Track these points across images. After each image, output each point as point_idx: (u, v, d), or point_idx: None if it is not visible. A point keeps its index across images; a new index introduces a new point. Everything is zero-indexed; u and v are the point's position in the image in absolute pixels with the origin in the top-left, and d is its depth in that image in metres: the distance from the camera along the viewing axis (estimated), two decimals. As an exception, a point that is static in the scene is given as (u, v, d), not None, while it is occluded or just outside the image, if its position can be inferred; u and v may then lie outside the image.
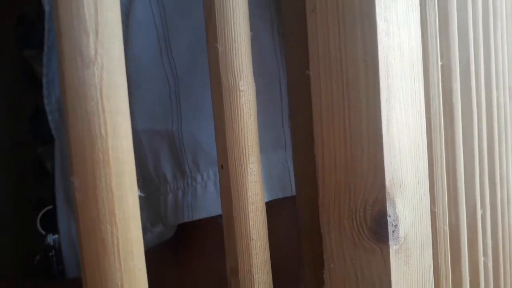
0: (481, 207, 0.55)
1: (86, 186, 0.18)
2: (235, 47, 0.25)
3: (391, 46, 0.28)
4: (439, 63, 0.40)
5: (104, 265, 0.18)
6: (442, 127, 0.41)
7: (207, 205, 0.41)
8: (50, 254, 0.63)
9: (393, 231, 0.27)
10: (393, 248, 0.27)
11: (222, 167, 0.25)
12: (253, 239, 0.25)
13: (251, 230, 0.25)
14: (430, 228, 0.33)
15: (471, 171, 0.52)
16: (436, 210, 0.40)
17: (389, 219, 0.26)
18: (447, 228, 0.42)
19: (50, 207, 0.66)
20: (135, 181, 0.19)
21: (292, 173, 0.40)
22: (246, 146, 0.25)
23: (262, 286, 0.26)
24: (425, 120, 0.32)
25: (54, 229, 0.63)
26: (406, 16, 0.30)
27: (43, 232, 0.64)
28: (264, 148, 0.41)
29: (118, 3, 0.19)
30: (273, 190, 0.41)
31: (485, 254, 0.55)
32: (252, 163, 0.25)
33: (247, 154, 0.25)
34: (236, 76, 0.25)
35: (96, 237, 0.18)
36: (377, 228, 0.27)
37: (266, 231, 0.27)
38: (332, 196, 0.28)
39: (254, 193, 0.25)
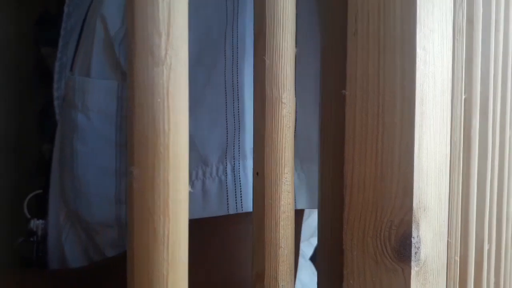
0: (488, 243, 0.56)
1: (144, 177, 0.19)
2: (281, 62, 0.27)
3: (427, 75, 0.30)
4: (463, 97, 0.42)
5: (153, 254, 0.19)
6: (461, 159, 0.43)
7: (191, 208, 0.41)
8: (32, 239, 0.63)
9: (416, 253, 0.28)
10: (414, 269, 0.28)
11: (257, 174, 0.26)
12: (281, 247, 0.26)
13: (280, 238, 0.26)
14: (446, 256, 0.34)
15: (481, 207, 0.53)
16: (450, 240, 0.41)
17: (413, 241, 0.28)
18: (458, 259, 0.43)
19: (39, 191, 0.66)
20: (187, 177, 0.20)
21: (230, 190, 0.40)
22: (283, 156, 0.27)
23: (286, 293, 0.27)
24: (449, 149, 0.34)
25: (41, 215, 0.63)
26: (441, 47, 0.32)
27: (29, 216, 0.64)
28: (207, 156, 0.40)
29: (187, 8, 0.21)
30: (210, 206, 0.39)
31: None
32: (287, 173, 0.27)
33: (283, 164, 0.26)
34: (280, 89, 0.27)
35: (149, 226, 0.19)
36: (401, 248, 0.28)
37: (293, 241, 0.28)
38: (358, 214, 0.29)
39: (286, 202, 0.27)
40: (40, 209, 0.63)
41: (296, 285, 0.61)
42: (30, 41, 1.01)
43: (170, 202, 0.19)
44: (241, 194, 0.39)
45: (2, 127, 0.96)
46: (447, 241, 0.42)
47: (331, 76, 0.33)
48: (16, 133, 0.99)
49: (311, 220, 0.58)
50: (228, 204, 0.39)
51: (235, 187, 0.39)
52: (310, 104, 0.39)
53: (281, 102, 0.27)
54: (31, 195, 0.68)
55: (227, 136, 0.40)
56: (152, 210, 0.19)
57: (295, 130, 0.27)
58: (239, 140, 0.40)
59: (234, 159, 0.40)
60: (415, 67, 0.28)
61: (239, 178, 0.39)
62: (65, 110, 0.57)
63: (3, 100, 0.88)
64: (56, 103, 0.67)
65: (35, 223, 0.62)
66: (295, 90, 0.28)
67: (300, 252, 0.62)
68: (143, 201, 0.19)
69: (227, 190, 0.39)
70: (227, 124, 0.40)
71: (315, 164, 0.41)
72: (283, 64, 0.27)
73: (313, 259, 0.65)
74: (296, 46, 0.28)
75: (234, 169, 0.40)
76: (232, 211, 0.39)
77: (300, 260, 0.61)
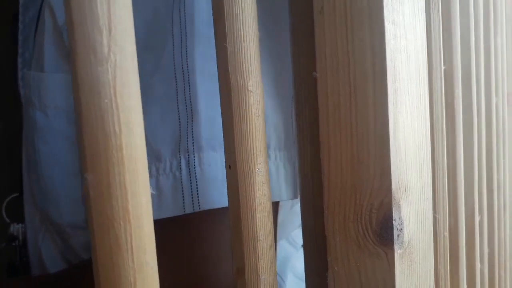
0: (479, 213, 0.56)
1: (100, 183, 0.18)
2: (244, 47, 0.26)
3: (399, 49, 0.29)
4: (443, 68, 0.41)
5: (117, 262, 0.18)
6: (444, 132, 0.42)
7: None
8: (13, 244, 0.62)
9: (398, 235, 0.28)
10: (397, 252, 0.28)
11: (230, 167, 0.26)
12: (260, 240, 0.26)
13: (258, 231, 0.26)
14: (432, 233, 0.34)
15: (470, 177, 0.53)
16: (437, 216, 0.41)
17: (394, 223, 0.27)
18: (447, 234, 0.43)
19: (16, 194, 0.64)
20: (147, 179, 0.20)
21: (186, 187, 0.36)
22: (254, 146, 0.26)
23: (268, 287, 0.26)
24: (429, 124, 0.33)
25: (20, 219, 0.62)
26: (413, 19, 0.31)
27: (8, 220, 0.63)
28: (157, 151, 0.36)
29: (130, 0, 0.20)
30: (165, 206, 0.36)
31: (481, 261, 0.56)
32: (260, 163, 0.26)
33: (255, 155, 0.26)
34: (245, 76, 0.26)
35: (110, 234, 0.18)
36: (382, 231, 0.27)
37: (272, 232, 0.27)
38: (338, 199, 0.29)
39: (261, 193, 0.26)
40: (19, 212, 0.62)
41: (288, 276, 0.61)
42: (8, 41, 0.99)
43: (129, 207, 0.19)
44: (197, 191, 0.36)
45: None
46: (436, 217, 0.42)
47: (302, 58, 0.32)
48: (4, 138, 0.98)
49: (298, 207, 0.57)
50: (184, 202, 0.36)
51: (191, 183, 0.36)
52: (271, 88, 0.38)
53: (247, 90, 0.26)
54: (8, 199, 0.66)
55: (180, 127, 0.37)
56: (111, 217, 0.18)
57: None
58: (192, 131, 0.37)
59: (188, 152, 0.37)
60: (384, 43, 0.27)
61: (195, 173, 0.36)
62: (25, 109, 0.55)
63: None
64: (23, 101, 0.66)
65: (15, 227, 0.61)
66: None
67: (291, 241, 0.62)
68: (101, 209, 0.18)
69: (182, 187, 0.36)
70: (179, 113, 0.37)
71: (288, 151, 0.40)
72: (246, 50, 0.26)
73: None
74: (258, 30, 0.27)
75: (189, 163, 0.37)
76: (188, 210, 0.36)
77: (291, 249, 0.61)
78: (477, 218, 0.55)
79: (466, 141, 0.51)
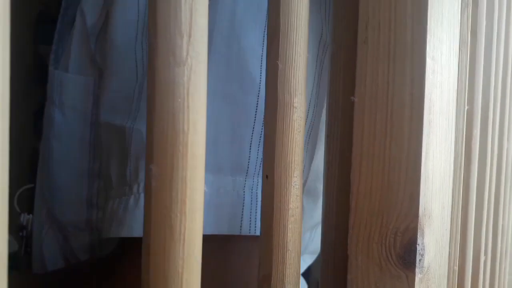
0: (484, 254, 0.57)
1: (163, 175, 0.20)
2: (294, 66, 0.28)
3: (435, 84, 0.31)
4: (466, 107, 0.43)
5: (169, 251, 0.20)
6: (462, 169, 0.44)
7: (132, 222, 0.36)
8: (21, 234, 0.62)
9: (420, 260, 0.29)
10: (418, 276, 0.29)
11: (267, 177, 0.27)
12: (289, 250, 0.27)
13: (288, 241, 0.27)
14: (447, 264, 0.35)
15: (479, 218, 0.55)
16: (450, 250, 0.42)
17: (418, 247, 0.29)
18: (456, 269, 0.44)
19: (31, 185, 0.65)
20: (203, 176, 0.21)
21: (246, 208, 0.36)
22: (293, 160, 0.27)
23: (292, 296, 0.27)
24: (453, 159, 0.35)
25: (31, 210, 0.62)
26: (448, 57, 0.33)
27: (19, 210, 0.63)
28: (219, 168, 0.36)
29: (207, 10, 0.21)
30: (219, 223, 0.35)
31: (483, 301, 0.57)
32: (296, 176, 0.27)
33: (292, 168, 0.27)
34: (292, 93, 0.27)
35: (165, 223, 0.20)
36: (406, 255, 0.29)
37: (300, 244, 0.28)
38: (364, 220, 0.30)
39: (295, 206, 0.27)
40: (30, 204, 0.63)
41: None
42: (28, 39, 1.02)
43: (187, 200, 0.20)
44: (256, 214, 0.36)
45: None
46: (449, 251, 0.44)
47: (339, 82, 0.34)
48: (12, 133, 0.99)
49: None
50: (242, 223, 0.36)
51: (251, 205, 0.36)
52: (237, 95, 0.37)
53: (293, 106, 0.27)
54: (21, 189, 0.67)
55: (250, 147, 0.37)
56: (169, 208, 0.20)
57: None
58: (262, 154, 0.36)
59: (254, 174, 0.37)
60: (424, 76, 0.29)
61: (256, 196, 0.36)
62: (47, 106, 0.56)
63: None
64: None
65: (25, 217, 0.62)
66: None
67: None
68: (161, 199, 0.20)
69: (243, 208, 0.36)
70: (253, 133, 0.37)
71: (224, 175, 0.37)
72: (295, 69, 0.28)
73: (305, 275, 0.64)
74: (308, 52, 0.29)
75: (253, 185, 0.37)
76: (244, 231, 0.36)
77: None
78: (482, 259, 0.56)
79: (479, 181, 0.53)
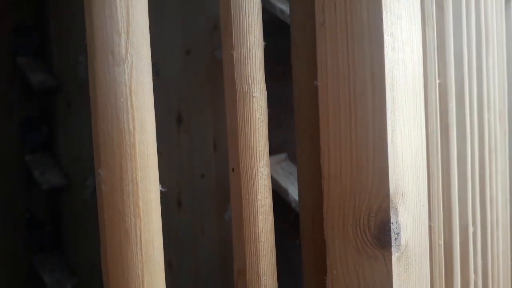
0: (472, 225, 0.57)
1: (112, 178, 0.19)
2: (249, 55, 0.27)
3: (396, 60, 0.30)
4: (437, 81, 0.43)
5: (126, 256, 0.19)
6: (439, 144, 0.43)
7: None
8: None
9: (396, 239, 0.28)
10: (395, 255, 0.28)
11: (233, 170, 0.26)
12: (261, 241, 0.26)
13: (259, 232, 0.26)
14: (428, 240, 0.35)
15: (464, 190, 0.54)
16: (432, 224, 0.42)
17: (392, 227, 0.28)
18: (442, 243, 0.43)
19: None
20: (157, 175, 0.20)
21: None
22: (257, 150, 0.27)
23: (268, 287, 0.27)
24: (425, 134, 0.34)
25: None
26: (409, 33, 0.33)
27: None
28: None
29: (146, 5, 0.20)
30: None
31: (475, 272, 0.57)
32: (262, 167, 0.27)
33: (258, 158, 0.26)
34: (250, 83, 0.27)
35: (120, 228, 0.19)
36: (380, 235, 0.28)
37: (273, 233, 0.28)
38: (337, 203, 0.29)
39: (263, 196, 0.27)
40: None
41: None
42: (5, 51, 1.01)
43: (140, 202, 0.19)
44: None
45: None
46: (431, 225, 0.43)
47: (302, 69, 0.33)
48: None
49: None
50: None
51: None
52: None
53: (252, 96, 0.27)
54: None
55: None
56: (123, 212, 0.19)
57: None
58: None
59: None
60: (383, 54, 0.28)
61: None
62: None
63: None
64: None
65: None
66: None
67: None
68: (113, 203, 0.19)
69: None
70: None
71: None
72: (252, 58, 0.27)
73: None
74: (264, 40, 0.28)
75: None
76: None
77: None
78: (470, 230, 0.56)
79: (460, 154, 0.52)
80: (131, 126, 0.19)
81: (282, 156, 0.59)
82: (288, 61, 0.44)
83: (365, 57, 0.29)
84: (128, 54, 0.19)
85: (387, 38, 0.29)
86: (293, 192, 0.57)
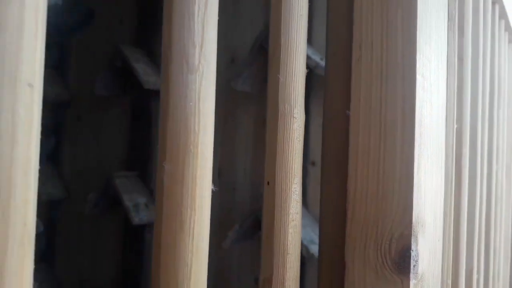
0: (477, 273, 0.58)
1: (175, 172, 0.21)
2: (294, 80, 0.30)
3: (425, 100, 0.33)
4: (455, 126, 0.45)
5: (179, 245, 0.21)
6: (453, 185, 0.46)
7: None
8: None
9: (414, 266, 0.30)
10: (412, 281, 0.30)
11: (268, 184, 0.28)
12: (289, 253, 0.28)
13: (288, 244, 0.28)
14: (441, 274, 0.36)
15: (471, 236, 0.56)
16: (443, 264, 0.43)
17: (412, 253, 0.30)
18: (450, 283, 0.45)
19: None
20: (211, 175, 0.22)
21: None
22: (293, 167, 0.29)
23: (292, 299, 0.28)
24: (444, 172, 0.37)
25: None
26: (437, 76, 0.36)
27: None
28: None
29: (216, 22, 0.23)
30: None
31: (477, 320, 0.58)
32: (296, 183, 0.29)
33: (292, 175, 0.29)
34: (292, 105, 0.29)
35: (176, 218, 0.21)
36: (400, 261, 0.30)
37: (299, 247, 0.29)
38: (360, 227, 0.31)
39: (295, 211, 0.28)
40: None
41: None
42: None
43: (197, 197, 0.21)
44: None
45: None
46: (442, 264, 0.45)
47: (334, 97, 0.36)
48: None
49: None
50: None
51: None
52: None
53: (293, 116, 0.29)
54: None
55: None
56: (181, 204, 0.21)
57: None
58: None
59: None
60: (415, 92, 0.31)
61: None
62: None
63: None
64: None
65: None
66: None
67: None
68: (173, 195, 0.21)
69: None
70: None
71: None
72: (295, 83, 0.30)
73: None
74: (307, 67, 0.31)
75: None
76: None
77: None
78: (475, 276, 0.57)
79: (470, 199, 0.54)
80: (196, 128, 0.21)
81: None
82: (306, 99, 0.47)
83: (397, 93, 0.32)
84: (200, 65, 0.22)
85: (419, 78, 0.32)
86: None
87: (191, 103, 0.21)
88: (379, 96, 0.32)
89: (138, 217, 0.79)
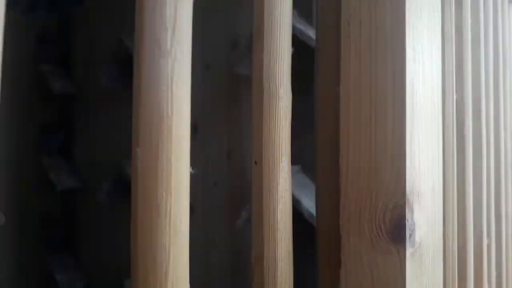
0: (487, 237, 0.53)
1: (149, 156, 0.19)
2: (278, 60, 0.27)
3: (417, 72, 0.29)
4: (454, 97, 0.41)
5: (156, 228, 0.19)
6: (455, 156, 0.41)
7: None
8: None
9: (410, 235, 0.27)
10: (409, 250, 0.26)
11: (256, 163, 0.26)
12: (279, 229, 0.25)
13: (278, 221, 0.25)
14: (442, 242, 0.32)
15: (479, 202, 0.51)
16: (446, 230, 0.39)
17: (407, 223, 0.26)
18: (456, 249, 0.40)
19: None
20: (189, 158, 0.20)
21: None
22: (280, 145, 0.26)
23: (284, 274, 0.25)
24: (442, 143, 0.32)
25: None
26: (430, 48, 0.31)
27: None
28: None
29: (191, 5, 0.20)
30: None
31: (489, 282, 0.53)
32: (284, 161, 0.26)
33: (280, 153, 0.26)
34: (277, 84, 0.26)
35: (152, 202, 0.19)
36: (395, 230, 0.26)
37: (291, 224, 0.27)
38: (354, 199, 0.28)
39: (283, 188, 0.26)
40: None
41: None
42: (29, 58, 0.98)
43: (172, 180, 0.19)
44: None
45: (2, 140, 0.93)
46: (444, 232, 0.40)
47: (324, 75, 0.32)
48: (19, 148, 0.96)
49: None
50: None
51: None
52: None
53: (279, 96, 0.26)
54: None
55: None
56: (155, 187, 0.19)
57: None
58: None
59: None
60: (405, 64, 0.27)
61: None
62: None
63: (2, 115, 0.84)
64: None
65: None
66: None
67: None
68: (147, 179, 0.19)
69: None
70: None
71: None
72: (280, 62, 0.26)
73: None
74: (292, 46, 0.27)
75: None
76: None
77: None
78: (485, 241, 0.52)
79: (476, 168, 0.49)
80: (169, 112, 0.19)
81: (296, 168, 0.57)
82: (304, 79, 0.43)
83: (387, 67, 0.28)
84: (173, 49, 0.19)
85: (408, 51, 0.28)
86: (306, 203, 0.55)
87: (163, 88, 0.19)
88: (369, 71, 0.29)
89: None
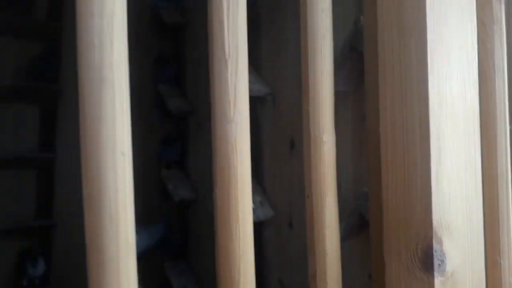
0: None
1: (222, 195, 0.32)
2: (321, 108, 0.39)
3: (443, 115, 0.39)
4: (508, 128, 0.50)
5: (228, 250, 0.32)
6: (510, 187, 0.50)
7: None
8: None
9: (439, 265, 0.37)
10: (438, 279, 0.37)
11: (307, 197, 0.38)
12: (327, 253, 0.38)
13: (326, 246, 0.37)
14: (485, 273, 0.42)
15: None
16: (502, 261, 0.48)
17: (435, 253, 0.37)
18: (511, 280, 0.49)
19: None
20: (250, 196, 0.33)
21: None
22: (326, 182, 0.38)
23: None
24: (480, 176, 0.43)
25: None
26: (463, 89, 0.42)
27: None
28: None
29: (247, 85, 0.34)
30: None
31: None
32: (330, 196, 0.38)
33: (326, 189, 0.38)
34: (321, 130, 0.39)
35: (226, 229, 0.32)
36: (426, 259, 0.37)
37: (339, 248, 0.39)
38: (393, 230, 0.39)
39: (330, 219, 0.38)
40: None
41: None
42: (149, 80, 1.29)
43: (239, 213, 0.32)
44: None
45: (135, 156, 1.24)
46: (500, 262, 0.50)
47: (372, 116, 0.45)
48: (140, 163, 1.25)
49: None
50: None
51: None
52: None
53: (322, 141, 0.39)
54: None
55: None
56: (228, 217, 0.32)
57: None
58: None
59: None
60: (428, 108, 0.39)
61: None
62: None
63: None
64: None
65: None
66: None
67: None
68: (222, 211, 0.32)
69: None
70: None
71: None
72: (324, 110, 0.39)
73: None
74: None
75: None
76: None
77: None
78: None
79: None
80: (235, 163, 0.33)
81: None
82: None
83: (414, 112, 0.39)
84: (235, 117, 0.33)
85: (432, 97, 0.39)
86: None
87: (230, 147, 0.33)
88: (403, 118, 0.40)
89: (255, 215, 0.93)
